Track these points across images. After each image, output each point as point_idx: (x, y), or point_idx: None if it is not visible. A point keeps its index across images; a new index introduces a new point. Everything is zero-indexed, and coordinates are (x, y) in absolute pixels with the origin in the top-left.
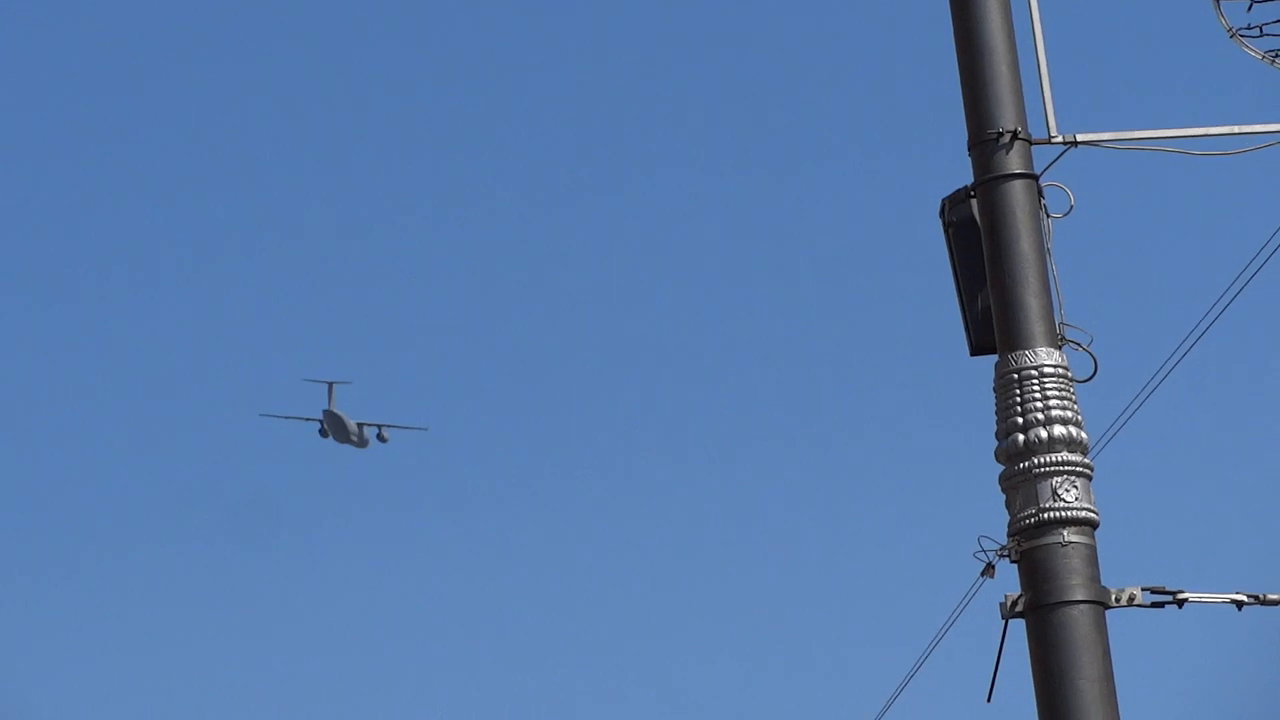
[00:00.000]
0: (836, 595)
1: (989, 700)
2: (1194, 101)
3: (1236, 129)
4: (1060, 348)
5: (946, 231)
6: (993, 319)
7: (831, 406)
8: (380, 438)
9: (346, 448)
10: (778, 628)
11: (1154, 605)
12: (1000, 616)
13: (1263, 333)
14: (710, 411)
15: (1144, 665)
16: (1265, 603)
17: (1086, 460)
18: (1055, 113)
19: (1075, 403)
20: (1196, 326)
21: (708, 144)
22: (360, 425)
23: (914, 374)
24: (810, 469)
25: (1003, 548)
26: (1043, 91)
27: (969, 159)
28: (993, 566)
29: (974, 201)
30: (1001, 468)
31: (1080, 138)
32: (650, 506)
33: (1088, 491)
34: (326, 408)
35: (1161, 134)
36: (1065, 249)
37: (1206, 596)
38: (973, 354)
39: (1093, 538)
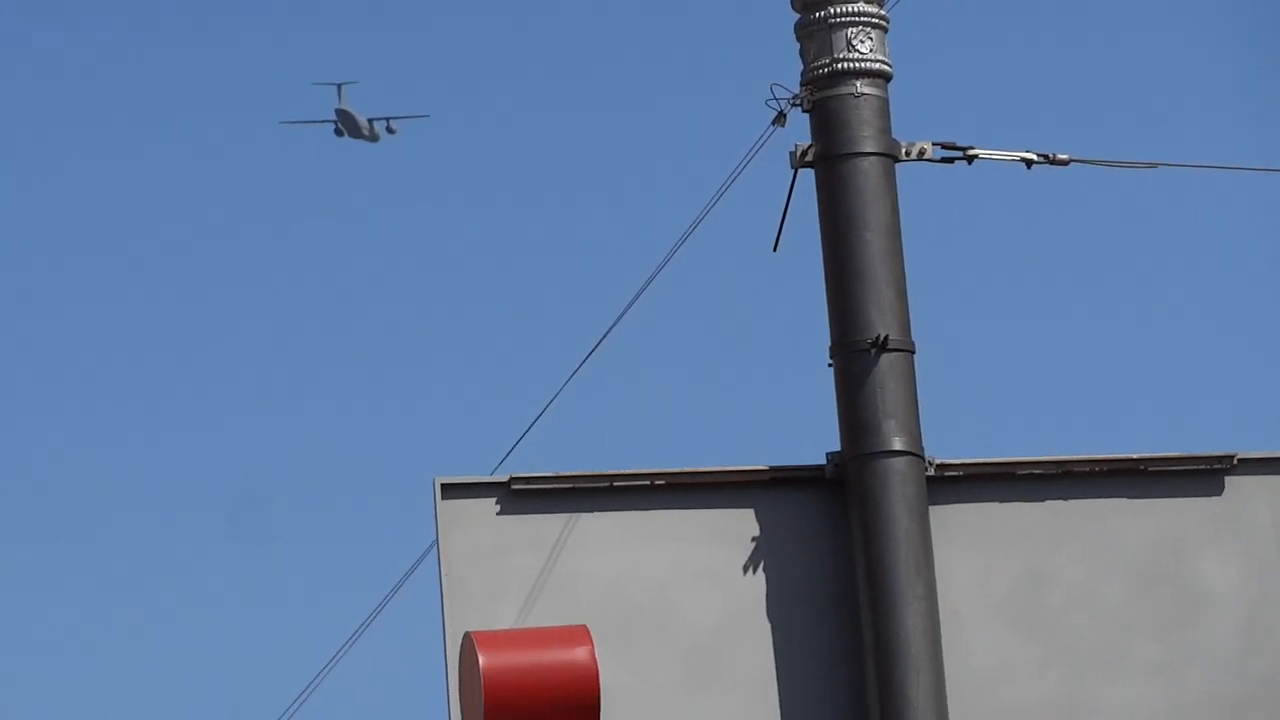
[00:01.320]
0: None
1: (775, 249)
2: None
3: None
4: None
5: None
6: None
7: None
8: (389, 129)
9: (359, 142)
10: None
11: (944, 160)
12: (790, 166)
13: None
14: None
15: (934, 222)
16: (1054, 162)
17: (882, 12)
18: None
19: None
20: None
21: None
22: (370, 120)
23: None
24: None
25: (795, 96)
26: None
27: None
28: (784, 115)
29: None
30: (798, 17)
31: None
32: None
33: (883, 43)
34: (338, 107)
35: None
36: None
37: (996, 154)
38: None
39: (885, 90)
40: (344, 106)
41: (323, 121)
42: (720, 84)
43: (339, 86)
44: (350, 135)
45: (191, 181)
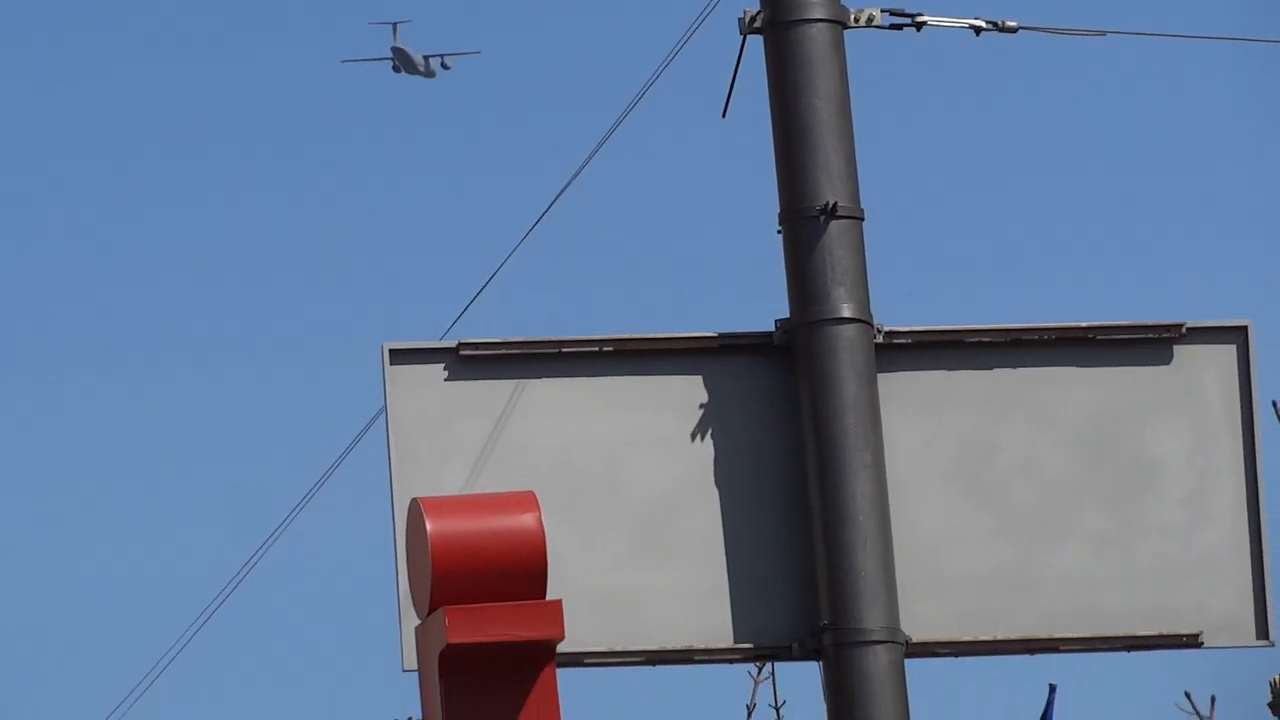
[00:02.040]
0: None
1: (724, 115)
2: None
3: None
4: None
5: None
6: None
7: None
8: (444, 65)
9: (416, 78)
10: None
11: (893, 28)
12: (739, 32)
13: None
14: None
15: (883, 89)
16: (1003, 29)
17: None
18: None
19: None
20: None
21: None
22: (425, 57)
23: None
24: None
25: None
26: None
27: None
28: None
29: None
30: None
31: None
32: None
33: None
34: (394, 44)
35: None
36: None
37: (945, 20)
38: None
39: None
40: (400, 45)
41: (380, 59)
42: None
43: (394, 25)
44: (407, 72)
45: (259, 121)
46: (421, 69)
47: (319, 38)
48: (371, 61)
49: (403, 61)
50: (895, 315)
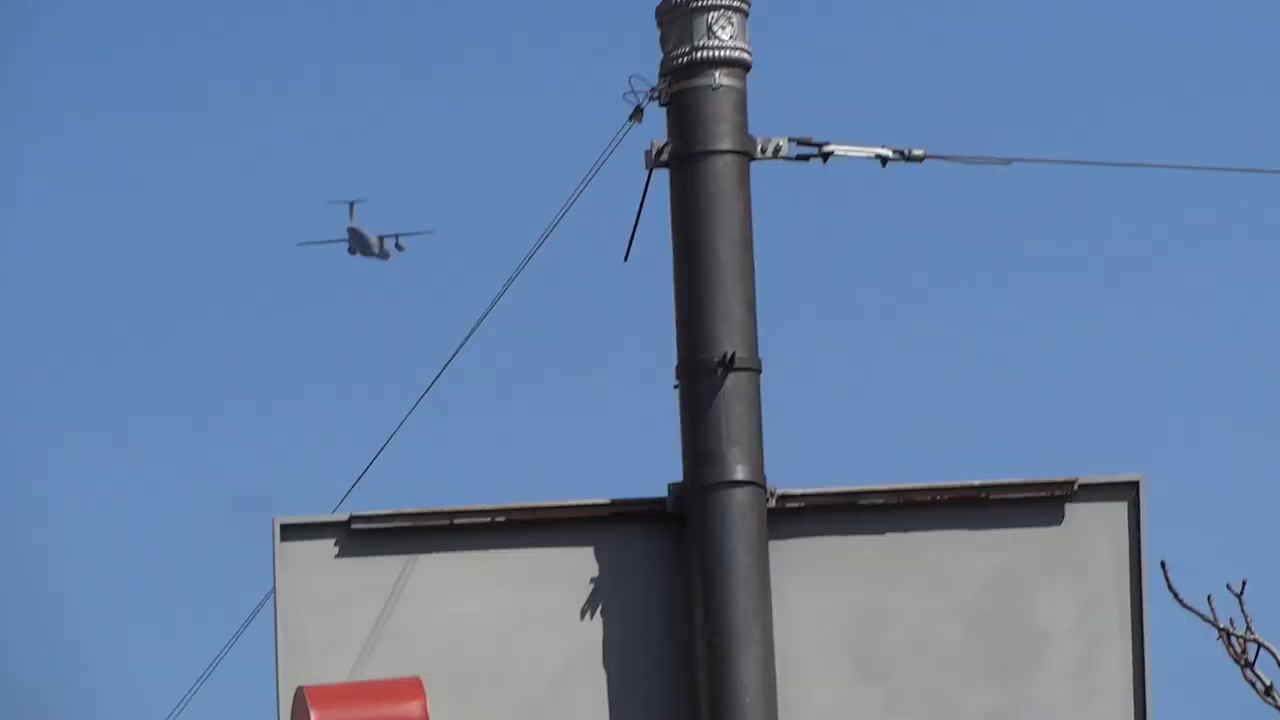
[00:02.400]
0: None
1: (625, 259)
2: None
3: None
4: None
5: None
6: None
7: None
8: (398, 246)
9: (372, 259)
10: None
11: (800, 158)
12: (645, 166)
13: None
14: None
15: (790, 218)
16: (909, 158)
17: None
18: None
19: None
20: None
21: None
22: (380, 238)
23: None
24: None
25: (653, 89)
26: None
27: None
28: (641, 110)
29: None
30: (659, 1)
31: None
32: None
33: (744, 30)
34: (350, 225)
35: None
36: None
37: (852, 150)
38: None
39: (744, 82)
40: (355, 225)
41: (336, 241)
42: (582, 81)
43: (351, 205)
44: (362, 253)
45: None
46: (376, 250)
47: (276, 219)
48: (328, 244)
49: (358, 243)
50: (788, 473)
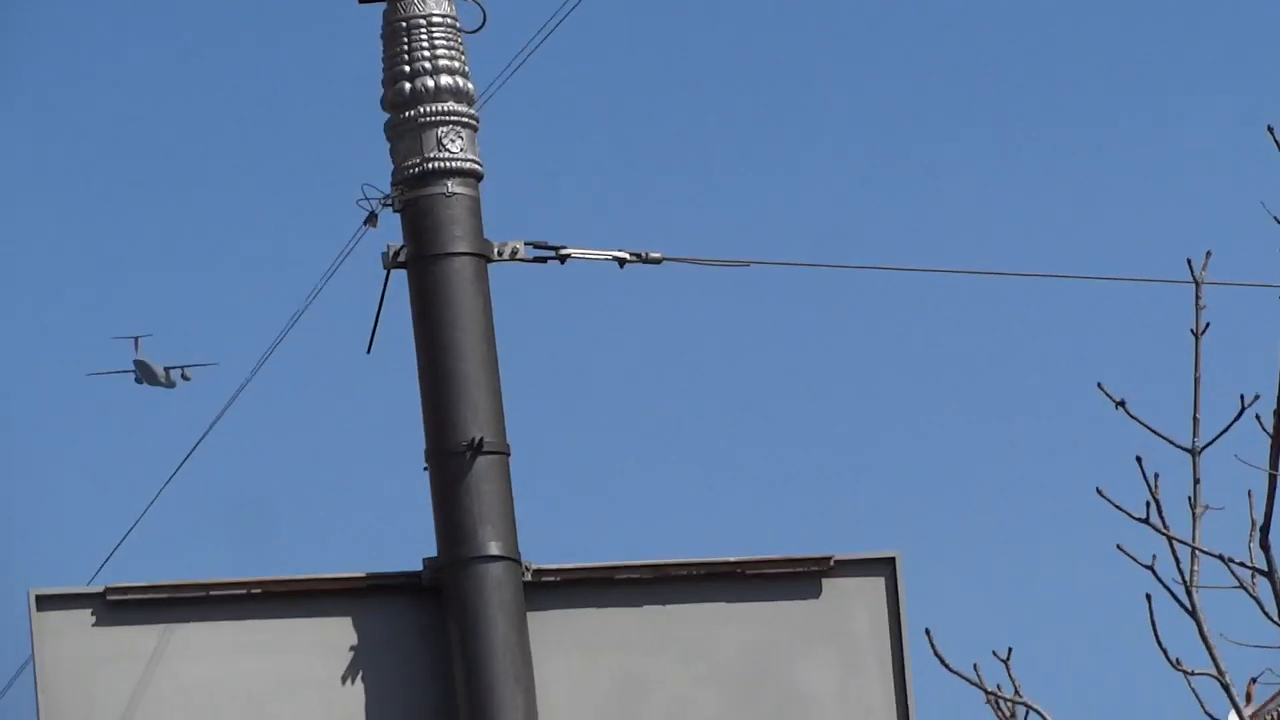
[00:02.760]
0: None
1: (369, 351)
2: None
3: None
4: None
5: None
6: None
7: (219, 50)
8: (184, 376)
9: (158, 389)
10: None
11: (537, 260)
12: (382, 266)
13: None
14: None
15: (528, 319)
16: (646, 260)
17: (472, 111)
18: None
19: (464, 53)
20: None
21: None
22: (166, 369)
23: (302, 20)
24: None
25: (386, 197)
26: None
27: None
28: (376, 216)
29: None
30: (388, 117)
31: None
32: None
33: (473, 143)
34: (136, 358)
35: None
36: None
37: (589, 253)
38: (362, 1)
39: (477, 190)
40: (141, 357)
41: (124, 371)
42: (316, 184)
43: (136, 339)
44: (149, 383)
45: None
46: (163, 380)
47: (64, 353)
48: (115, 374)
49: (145, 373)
50: (543, 552)
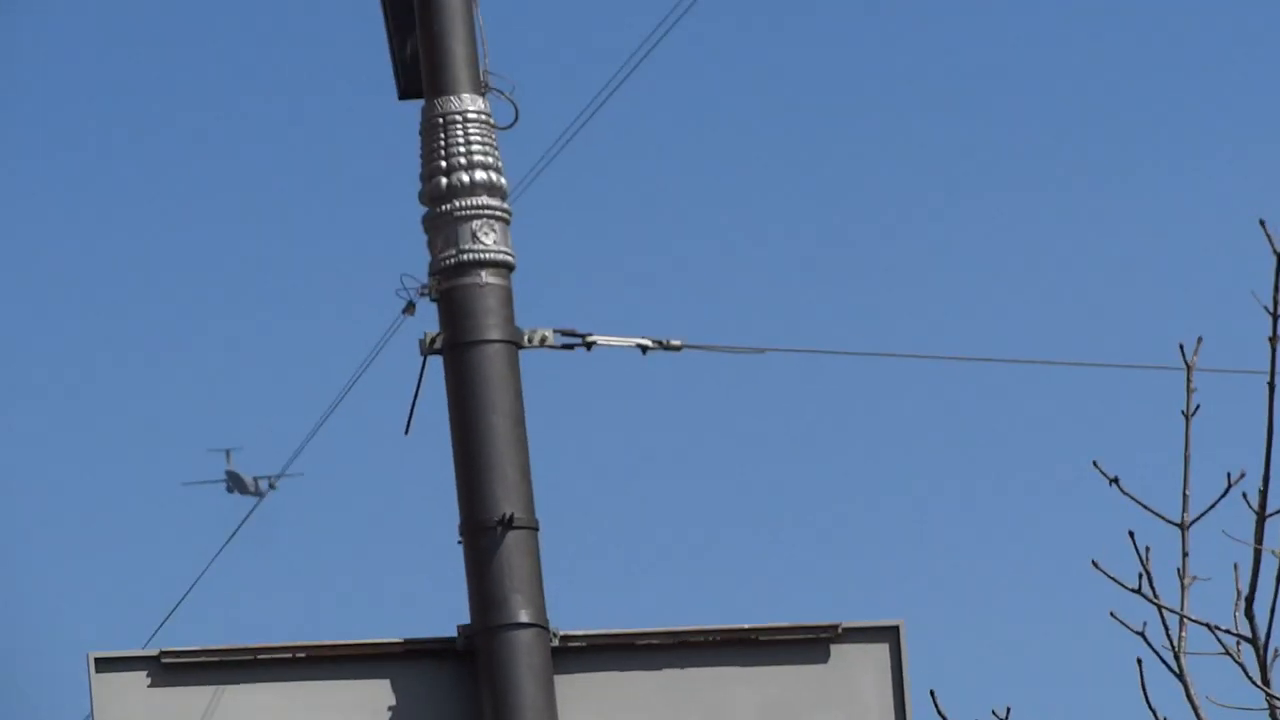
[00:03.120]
0: (246, 332)
1: (407, 433)
2: None
3: None
4: (484, 95)
5: None
6: (420, 64)
7: (256, 146)
8: (271, 486)
9: (248, 497)
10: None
11: (565, 347)
12: (420, 353)
13: (675, 95)
14: None
15: (558, 403)
16: (667, 347)
17: (505, 205)
18: None
19: (496, 149)
20: (612, 80)
21: None
22: (255, 479)
23: (342, 116)
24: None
25: (423, 286)
26: None
27: None
28: (413, 305)
29: None
30: (425, 210)
31: None
32: None
33: (505, 235)
34: (227, 468)
35: None
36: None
37: (614, 340)
38: (401, 98)
39: (509, 280)
40: (233, 468)
41: (215, 481)
42: (356, 273)
43: (227, 451)
44: (239, 492)
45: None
46: (252, 489)
47: (159, 463)
48: (208, 484)
49: (235, 483)
50: (570, 619)
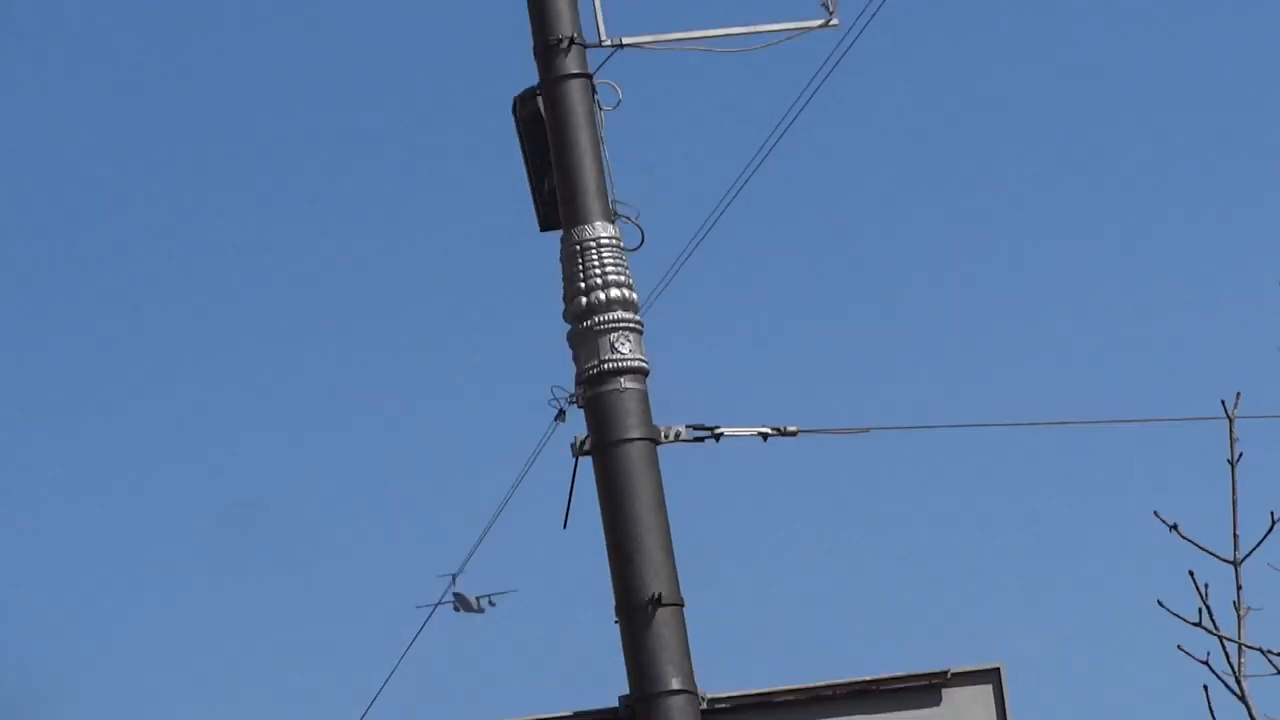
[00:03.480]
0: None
1: (565, 527)
2: (730, 4)
3: (752, 28)
4: (614, 221)
5: (518, 126)
6: (557, 200)
7: (424, 278)
8: (490, 603)
9: (472, 615)
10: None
11: (696, 440)
12: (571, 455)
13: (779, 205)
14: None
15: (692, 492)
16: (784, 434)
17: (637, 317)
18: (605, 19)
19: (627, 268)
20: (723, 200)
21: None
22: (477, 598)
23: (492, 250)
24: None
25: (572, 395)
26: (594, 2)
27: (535, 63)
28: (564, 412)
29: (540, 99)
30: (569, 327)
31: (625, 41)
32: None
33: (639, 344)
34: (454, 590)
35: (693, 35)
36: (617, 138)
37: (738, 430)
38: (542, 230)
39: (645, 383)
40: (459, 590)
41: (444, 603)
42: (506, 388)
43: (453, 575)
44: (464, 610)
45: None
46: (475, 608)
47: (396, 588)
48: (438, 606)
49: (461, 603)
50: (716, 680)
